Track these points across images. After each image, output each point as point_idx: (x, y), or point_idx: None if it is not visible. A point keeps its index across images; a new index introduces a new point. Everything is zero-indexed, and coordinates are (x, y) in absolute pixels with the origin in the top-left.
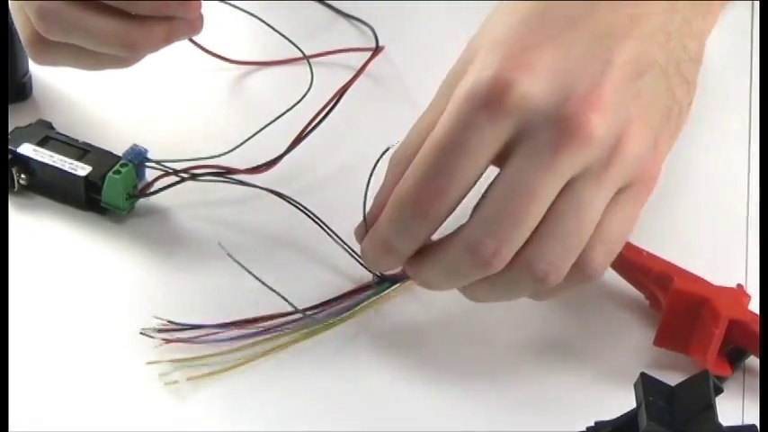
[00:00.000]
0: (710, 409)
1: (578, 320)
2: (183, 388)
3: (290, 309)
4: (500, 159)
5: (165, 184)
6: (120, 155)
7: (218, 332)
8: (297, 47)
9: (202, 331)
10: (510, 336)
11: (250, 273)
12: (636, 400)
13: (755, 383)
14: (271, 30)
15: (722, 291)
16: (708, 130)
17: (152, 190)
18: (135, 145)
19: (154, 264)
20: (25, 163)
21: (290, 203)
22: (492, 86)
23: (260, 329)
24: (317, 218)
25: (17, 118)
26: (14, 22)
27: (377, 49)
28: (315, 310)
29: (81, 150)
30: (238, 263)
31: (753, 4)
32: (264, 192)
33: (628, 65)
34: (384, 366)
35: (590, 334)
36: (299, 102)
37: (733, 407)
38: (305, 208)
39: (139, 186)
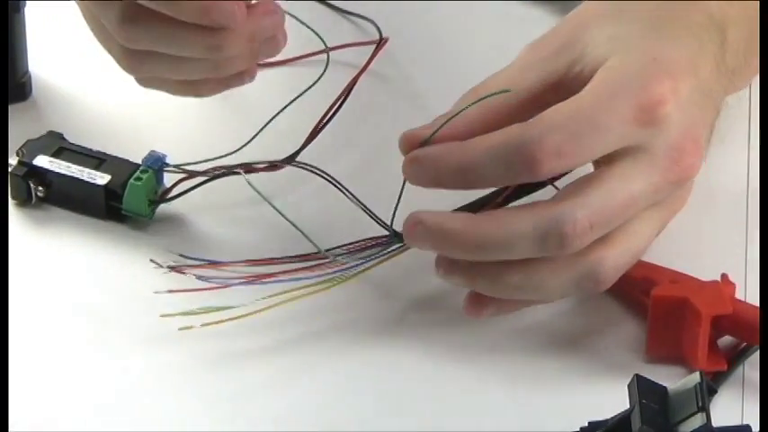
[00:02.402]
0: (703, 411)
1: (573, 320)
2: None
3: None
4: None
5: (185, 188)
6: (139, 161)
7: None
8: (320, 38)
9: (218, 270)
10: (503, 336)
11: (274, 207)
12: (630, 401)
13: (755, 383)
14: None
15: (703, 287)
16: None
17: (173, 194)
18: (153, 151)
19: (178, 276)
20: (42, 175)
21: (323, 176)
22: (651, 94)
23: (278, 272)
24: (347, 190)
25: (17, 118)
26: (106, 48)
27: (381, 41)
28: (339, 250)
29: (97, 160)
30: (263, 197)
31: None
32: (281, 187)
33: (708, 129)
34: (388, 347)
35: (584, 333)
36: (297, 97)
37: (733, 407)
38: (333, 179)
39: (160, 191)
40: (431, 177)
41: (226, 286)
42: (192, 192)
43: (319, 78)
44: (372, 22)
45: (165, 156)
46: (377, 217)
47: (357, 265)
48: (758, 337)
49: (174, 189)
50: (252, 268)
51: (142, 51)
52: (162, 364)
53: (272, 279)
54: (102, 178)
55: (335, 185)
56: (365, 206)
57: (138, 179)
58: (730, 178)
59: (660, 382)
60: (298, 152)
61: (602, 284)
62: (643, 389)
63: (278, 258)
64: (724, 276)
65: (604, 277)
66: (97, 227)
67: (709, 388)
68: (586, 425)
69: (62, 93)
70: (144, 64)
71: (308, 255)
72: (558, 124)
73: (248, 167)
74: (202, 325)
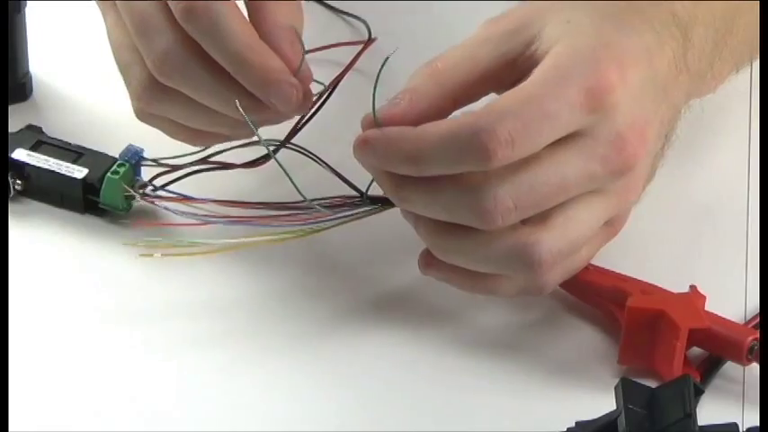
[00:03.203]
0: (689, 418)
1: (560, 320)
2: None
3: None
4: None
5: (162, 183)
6: (116, 156)
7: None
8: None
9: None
10: (491, 335)
11: (265, 145)
12: (616, 404)
13: (756, 383)
14: None
15: (677, 299)
16: (708, 130)
17: (150, 189)
18: (131, 145)
19: (156, 262)
20: (20, 168)
21: (301, 153)
22: (600, 79)
23: (254, 215)
24: (322, 160)
25: (17, 118)
26: (124, 70)
27: (369, 41)
28: (322, 202)
29: (75, 153)
30: (257, 134)
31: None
32: (260, 183)
33: (662, 125)
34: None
35: (571, 334)
36: None
37: (733, 407)
38: (310, 152)
39: (137, 185)
40: (381, 162)
41: (204, 223)
42: (172, 186)
43: None
44: (364, 21)
45: (142, 150)
46: (349, 181)
47: (331, 219)
48: (730, 351)
49: (153, 183)
50: (225, 209)
51: (167, 87)
52: (138, 347)
53: (244, 221)
54: (80, 172)
55: (308, 155)
56: (339, 173)
57: (116, 173)
58: (730, 178)
59: None
60: (276, 150)
61: (538, 268)
62: (629, 392)
63: (252, 202)
64: (693, 288)
65: (539, 259)
66: (75, 220)
67: (696, 389)
68: (573, 425)
69: (62, 93)
70: (161, 102)
71: (287, 203)
72: (509, 112)
73: (225, 164)
74: (163, 255)
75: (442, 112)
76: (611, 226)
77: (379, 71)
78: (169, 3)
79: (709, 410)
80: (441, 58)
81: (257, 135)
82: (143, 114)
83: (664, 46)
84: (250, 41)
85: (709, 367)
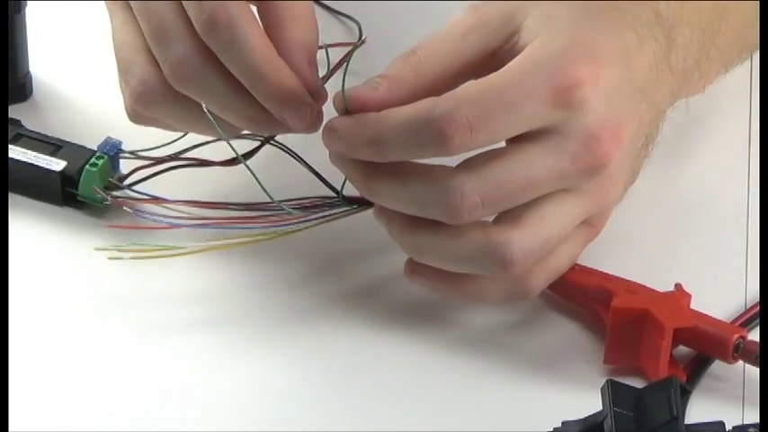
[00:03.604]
0: (676, 421)
1: (546, 319)
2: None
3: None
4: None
5: (141, 177)
6: (95, 148)
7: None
8: None
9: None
10: (476, 334)
11: (234, 150)
12: (602, 405)
13: (756, 383)
14: None
15: (662, 298)
16: (708, 130)
17: (128, 182)
18: (109, 137)
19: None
20: None
21: (282, 150)
22: (568, 75)
23: (223, 217)
24: (300, 157)
25: (17, 118)
26: (124, 70)
27: (358, 42)
28: (296, 203)
29: (54, 146)
30: (225, 139)
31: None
32: (237, 182)
33: (642, 125)
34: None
35: (557, 333)
36: None
37: (733, 406)
38: (287, 147)
39: (115, 178)
40: (345, 148)
41: (171, 227)
42: (152, 180)
43: None
44: (357, 22)
45: (120, 142)
46: (326, 181)
47: (304, 221)
48: (716, 349)
49: (131, 176)
50: (198, 210)
51: (168, 92)
52: (116, 337)
53: (216, 224)
54: (58, 164)
55: (289, 153)
56: (317, 172)
57: (94, 165)
58: (730, 178)
59: None
60: (257, 149)
61: (510, 267)
62: (615, 394)
63: (224, 203)
64: (678, 286)
65: (511, 259)
66: (53, 213)
67: (682, 389)
68: (559, 425)
69: (62, 93)
70: (160, 105)
71: (256, 204)
72: (470, 99)
73: (204, 161)
74: (132, 257)
75: (419, 100)
76: (591, 225)
77: (348, 57)
78: (189, 13)
79: (697, 409)
80: (422, 46)
81: (232, 149)
82: (136, 116)
83: (644, 46)
84: (269, 57)
85: (697, 366)
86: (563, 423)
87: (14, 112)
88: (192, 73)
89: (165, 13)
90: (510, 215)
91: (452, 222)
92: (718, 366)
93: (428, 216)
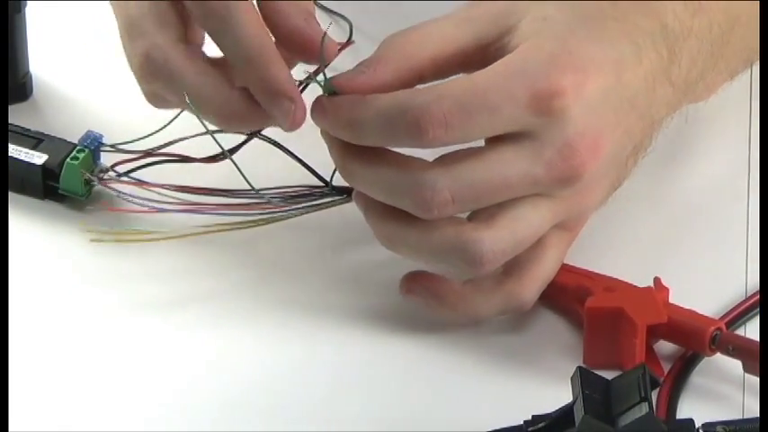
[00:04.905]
0: (646, 401)
1: (525, 314)
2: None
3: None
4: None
5: (124, 170)
6: (75, 141)
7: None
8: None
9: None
10: (453, 327)
11: (210, 132)
12: (572, 393)
13: (756, 382)
14: None
15: (638, 295)
16: (708, 130)
17: (109, 175)
18: (90, 130)
19: (115, 248)
20: None
21: (269, 142)
22: (550, 83)
23: (208, 203)
24: (288, 149)
25: (17, 118)
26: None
27: (347, 42)
28: (282, 192)
29: (35, 139)
30: (207, 129)
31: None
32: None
33: (628, 135)
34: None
35: (527, 328)
36: None
37: (733, 406)
38: (274, 140)
39: (96, 171)
40: (327, 125)
41: (156, 211)
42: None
43: None
44: (349, 21)
45: (101, 135)
46: (314, 171)
47: (289, 210)
48: (693, 342)
49: (113, 170)
50: (183, 195)
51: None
52: (98, 327)
53: (200, 210)
54: (39, 158)
55: (276, 145)
56: (305, 162)
57: (75, 158)
58: (730, 178)
59: None
60: (240, 146)
61: (479, 265)
62: (585, 381)
63: (209, 188)
64: (657, 281)
65: (481, 258)
66: (35, 206)
67: (651, 380)
68: (530, 418)
69: (62, 93)
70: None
71: (245, 191)
72: (449, 94)
73: (184, 157)
74: (116, 240)
75: (406, 85)
76: (568, 230)
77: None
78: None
79: (688, 407)
80: (414, 30)
81: (214, 139)
82: (149, 93)
83: (642, 58)
84: (264, 44)
85: (684, 364)
86: (533, 416)
87: (14, 112)
88: (157, 69)
89: (135, 10)
90: (484, 214)
91: (422, 216)
92: (707, 363)
93: (399, 206)
